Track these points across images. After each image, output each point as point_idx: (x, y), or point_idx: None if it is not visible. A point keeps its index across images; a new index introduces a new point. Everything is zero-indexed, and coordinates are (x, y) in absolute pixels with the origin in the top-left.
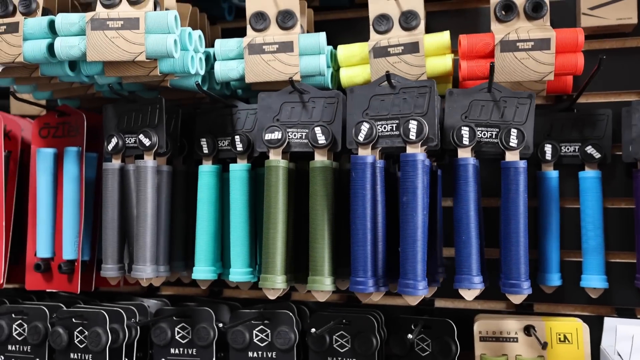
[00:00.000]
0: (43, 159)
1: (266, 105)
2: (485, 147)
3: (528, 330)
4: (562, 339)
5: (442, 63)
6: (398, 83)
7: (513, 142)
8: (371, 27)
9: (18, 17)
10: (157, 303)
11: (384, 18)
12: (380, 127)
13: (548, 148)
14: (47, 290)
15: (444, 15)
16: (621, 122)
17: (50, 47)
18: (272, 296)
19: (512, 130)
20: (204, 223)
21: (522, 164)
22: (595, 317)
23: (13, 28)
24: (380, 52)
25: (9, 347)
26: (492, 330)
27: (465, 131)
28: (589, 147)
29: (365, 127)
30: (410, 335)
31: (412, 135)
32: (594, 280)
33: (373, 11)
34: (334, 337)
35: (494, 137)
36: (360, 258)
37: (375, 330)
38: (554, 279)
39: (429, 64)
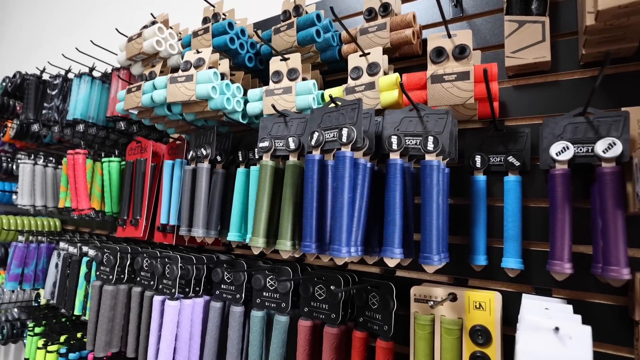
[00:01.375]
0: (166, 167)
1: (264, 125)
2: (412, 151)
3: (453, 297)
4: (477, 306)
5: (391, 95)
6: (340, 105)
7: (430, 146)
8: (349, 75)
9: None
10: (228, 258)
11: (356, 69)
12: (327, 135)
13: (478, 158)
14: (165, 242)
15: (401, 69)
16: (539, 138)
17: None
18: (285, 256)
19: (429, 137)
20: (238, 204)
21: (436, 162)
22: (516, 293)
23: (139, 88)
24: (349, 90)
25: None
26: (424, 294)
27: (394, 139)
28: (511, 156)
29: (315, 135)
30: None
31: (344, 139)
32: (511, 262)
33: (351, 64)
34: (315, 288)
35: (417, 143)
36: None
37: (341, 286)
38: (481, 260)
39: (382, 96)
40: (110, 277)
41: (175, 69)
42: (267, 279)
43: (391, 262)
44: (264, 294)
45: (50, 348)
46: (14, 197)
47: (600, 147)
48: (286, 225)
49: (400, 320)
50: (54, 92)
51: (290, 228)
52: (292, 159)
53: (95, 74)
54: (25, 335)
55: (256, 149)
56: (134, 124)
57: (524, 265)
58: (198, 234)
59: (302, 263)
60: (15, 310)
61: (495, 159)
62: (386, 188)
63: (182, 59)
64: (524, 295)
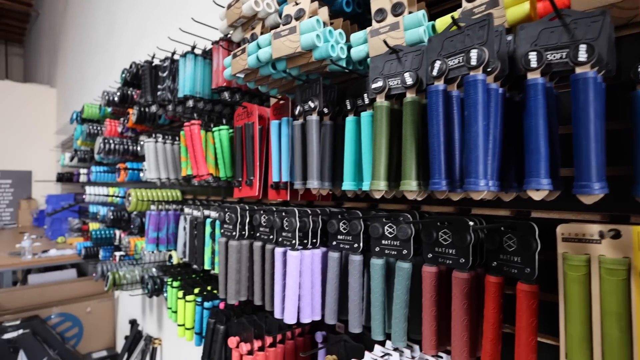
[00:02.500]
0: (273, 126)
1: (374, 66)
2: (557, 67)
3: (614, 233)
4: None
5: (521, 9)
6: (464, 26)
7: (582, 56)
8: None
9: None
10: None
11: None
12: (451, 62)
13: None
14: (278, 199)
15: None
16: None
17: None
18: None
19: (581, 45)
20: (350, 154)
21: (592, 74)
22: None
23: (243, 50)
24: (467, 14)
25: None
26: (575, 233)
27: (532, 55)
28: None
29: (437, 64)
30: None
31: (473, 62)
32: None
33: None
34: (440, 233)
35: (564, 56)
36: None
37: (469, 230)
38: None
39: (508, 13)
40: (234, 233)
41: (274, 28)
42: (386, 227)
43: (537, 195)
44: (383, 242)
45: (188, 298)
46: (141, 174)
47: None
48: (409, 165)
49: (544, 267)
50: (164, 74)
51: (415, 168)
52: (410, 95)
53: (198, 52)
54: (165, 289)
55: (368, 91)
56: (236, 93)
57: None
58: (313, 186)
59: (420, 211)
60: (154, 269)
61: None
62: (525, 113)
63: (281, 15)
64: None
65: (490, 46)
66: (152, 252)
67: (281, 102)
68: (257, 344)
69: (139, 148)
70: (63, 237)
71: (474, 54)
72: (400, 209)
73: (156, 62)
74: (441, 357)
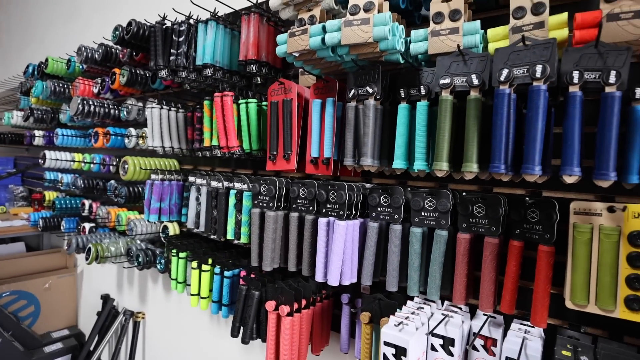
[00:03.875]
0: (315, 105)
1: (441, 64)
2: (591, 85)
3: (611, 209)
4: (636, 215)
5: (561, 33)
6: (529, 42)
7: (612, 79)
8: (511, 15)
9: (306, 26)
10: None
11: (520, 9)
12: (516, 72)
13: (638, 90)
14: (317, 173)
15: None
16: None
17: (322, 40)
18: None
19: (612, 71)
20: (402, 137)
21: (618, 94)
22: None
23: (304, 31)
24: (516, 30)
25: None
26: (583, 208)
27: (575, 74)
28: None
29: (505, 71)
30: (528, 198)
31: (538, 75)
32: None
33: (513, 4)
34: (474, 207)
35: (597, 77)
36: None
37: (501, 204)
38: (634, 179)
39: (551, 35)
40: (271, 204)
41: (329, 12)
42: (426, 201)
43: (569, 179)
44: (423, 213)
45: (204, 268)
46: (126, 140)
47: None
48: (472, 151)
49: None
50: (180, 39)
51: (476, 153)
52: (474, 93)
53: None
54: (159, 260)
55: (430, 84)
56: (263, 67)
57: None
58: (367, 163)
59: (449, 188)
60: (141, 242)
61: None
62: (566, 116)
63: (346, 3)
64: None
65: (552, 64)
66: (155, 222)
67: (325, 82)
68: (294, 306)
69: (124, 113)
70: (3, 206)
71: (539, 68)
72: (426, 186)
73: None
74: (461, 308)
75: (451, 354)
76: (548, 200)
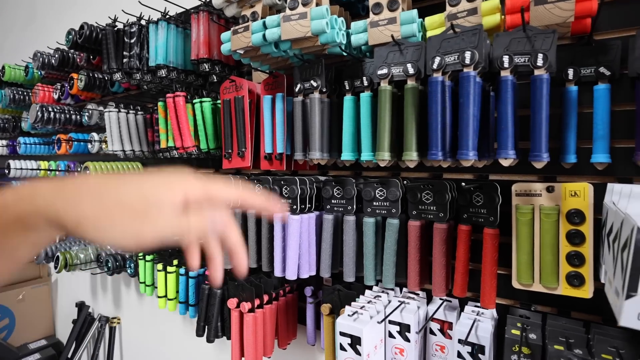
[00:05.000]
0: (266, 101)
1: (379, 55)
2: (522, 68)
3: (550, 189)
4: (572, 194)
5: (494, 19)
6: (458, 29)
7: (540, 62)
8: (447, 3)
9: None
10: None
11: None
12: (448, 59)
13: (570, 71)
14: (271, 169)
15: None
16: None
17: (264, 36)
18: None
19: (539, 54)
20: (349, 129)
21: (546, 76)
22: (601, 184)
23: (246, 28)
24: (451, 17)
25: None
26: (524, 189)
27: (506, 58)
28: (602, 67)
29: (437, 59)
30: (463, 183)
31: (467, 61)
32: (600, 157)
33: None
34: (422, 194)
35: (526, 61)
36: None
37: (447, 190)
38: (571, 158)
39: (484, 21)
40: None
41: (272, 8)
42: (377, 191)
43: (505, 162)
44: (374, 203)
45: (169, 269)
46: (89, 146)
47: None
48: (410, 139)
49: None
50: (132, 40)
51: (415, 141)
52: (410, 82)
53: (165, 20)
54: (128, 265)
55: (371, 75)
56: (216, 65)
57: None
58: (315, 157)
59: (400, 177)
60: (111, 248)
61: (586, 71)
62: (499, 101)
63: None
64: (609, 184)
65: (480, 50)
66: None
67: (274, 77)
68: (256, 302)
69: (85, 118)
70: None
71: (468, 54)
72: (380, 176)
73: (106, 27)
74: (418, 293)
75: (408, 340)
76: (491, 184)
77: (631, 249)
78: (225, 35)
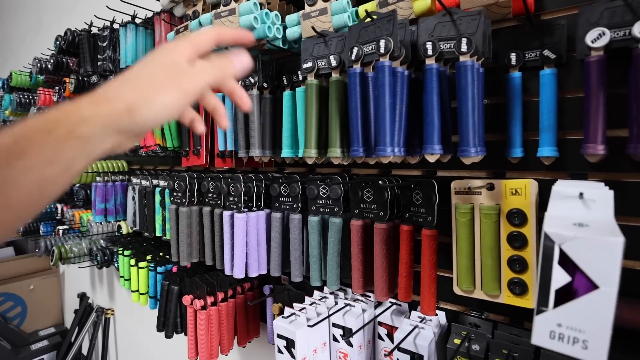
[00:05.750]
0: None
1: (305, 48)
2: (447, 55)
3: (490, 186)
4: (513, 192)
5: (424, 3)
6: (375, 19)
7: (463, 47)
8: None
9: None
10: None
11: None
12: (366, 49)
13: (513, 56)
14: (224, 167)
15: None
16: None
17: None
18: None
19: (463, 39)
20: (287, 125)
21: (470, 62)
22: (552, 180)
23: (186, 27)
24: (383, 4)
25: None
26: (463, 187)
27: (429, 45)
28: (546, 50)
29: (355, 50)
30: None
31: (382, 50)
32: (546, 151)
33: None
34: (364, 192)
35: (452, 47)
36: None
37: (387, 189)
38: (517, 152)
39: (415, 5)
40: (183, 200)
41: (215, 6)
42: (320, 189)
43: (431, 158)
44: (318, 201)
45: (141, 265)
46: None
47: (637, 28)
48: (334, 135)
49: (443, 216)
50: (104, 44)
51: (339, 137)
52: (335, 75)
53: (138, 21)
54: (115, 259)
55: (300, 71)
56: None
57: (560, 153)
58: (255, 154)
59: (350, 173)
60: (102, 241)
61: (530, 55)
62: (424, 92)
63: None
64: (558, 180)
65: (395, 37)
66: (100, 223)
67: None
68: (210, 299)
69: None
70: None
71: (382, 43)
72: (334, 173)
73: (93, 30)
74: (369, 296)
75: (351, 345)
76: (428, 181)
77: (540, 257)
78: (170, 35)
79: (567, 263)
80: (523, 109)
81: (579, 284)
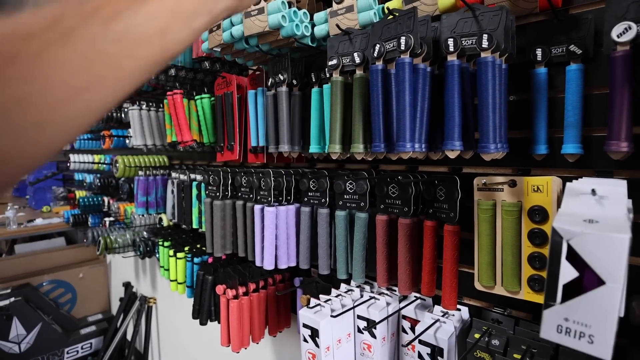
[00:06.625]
0: (250, 96)
1: (331, 45)
2: (469, 51)
3: (512, 183)
4: (535, 189)
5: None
6: (397, 16)
7: (485, 44)
8: None
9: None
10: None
11: None
12: (388, 46)
13: (539, 51)
14: (257, 162)
15: None
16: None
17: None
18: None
19: (484, 35)
20: (315, 121)
21: (490, 58)
22: (577, 178)
23: (219, 26)
24: (408, 1)
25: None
26: (486, 183)
27: (450, 41)
28: (572, 45)
29: (377, 47)
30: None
31: (402, 47)
32: (570, 148)
33: None
34: (389, 187)
35: (473, 43)
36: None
37: (411, 184)
38: (542, 149)
39: (439, 1)
40: (218, 193)
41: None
42: (347, 184)
43: (451, 154)
44: (345, 196)
45: (179, 255)
46: (127, 141)
47: None
48: (358, 131)
49: (466, 212)
50: None
51: (362, 133)
52: (359, 72)
53: None
54: (157, 250)
55: (326, 68)
56: (216, 62)
57: (586, 150)
58: (284, 149)
59: (377, 170)
60: (145, 233)
61: (557, 50)
62: (445, 88)
63: None
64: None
65: (415, 34)
66: (142, 215)
67: (257, 73)
68: (241, 289)
69: (122, 115)
70: (48, 206)
71: (402, 40)
72: (363, 169)
73: None
74: (394, 290)
75: (374, 336)
76: (451, 178)
77: (548, 252)
78: (204, 34)
79: (575, 259)
80: (549, 106)
81: (587, 280)
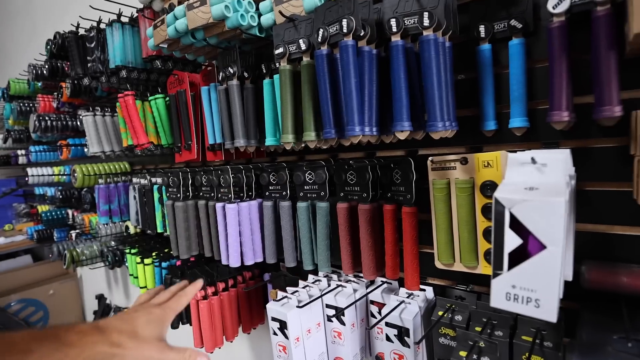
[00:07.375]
0: (204, 92)
1: (277, 34)
2: (412, 31)
3: (464, 160)
4: (485, 164)
5: None
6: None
7: (426, 22)
8: None
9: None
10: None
11: None
12: (331, 30)
13: (482, 28)
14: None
15: None
16: None
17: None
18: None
19: (424, 13)
20: (269, 113)
21: (432, 36)
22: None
23: (163, 21)
24: None
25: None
26: (439, 162)
27: (393, 22)
28: (513, 20)
29: (321, 31)
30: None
31: (344, 30)
32: (517, 122)
33: None
34: (347, 174)
35: (415, 22)
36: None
37: (368, 169)
38: (491, 125)
39: None
40: (179, 195)
41: None
42: (306, 175)
43: (401, 135)
44: (305, 187)
45: (146, 262)
46: (85, 149)
47: None
48: (309, 118)
49: (424, 194)
50: (92, 45)
51: (313, 121)
52: (306, 59)
53: (124, 20)
54: (125, 259)
55: (275, 56)
56: (168, 61)
57: (532, 123)
58: (240, 144)
59: (337, 158)
60: (112, 242)
61: (499, 26)
62: (391, 69)
63: None
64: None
65: (356, 16)
66: (107, 224)
67: (209, 68)
68: (210, 290)
69: (78, 123)
70: (10, 224)
71: (344, 23)
72: (323, 159)
73: (81, 31)
74: (361, 277)
75: (343, 323)
76: (406, 160)
77: (492, 222)
78: (149, 30)
79: (517, 226)
80: (495, 81)
81: (530, 246)
